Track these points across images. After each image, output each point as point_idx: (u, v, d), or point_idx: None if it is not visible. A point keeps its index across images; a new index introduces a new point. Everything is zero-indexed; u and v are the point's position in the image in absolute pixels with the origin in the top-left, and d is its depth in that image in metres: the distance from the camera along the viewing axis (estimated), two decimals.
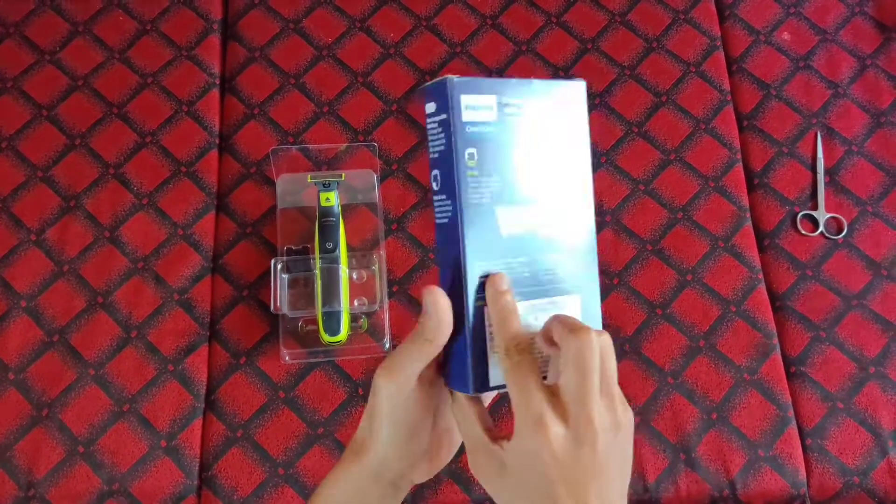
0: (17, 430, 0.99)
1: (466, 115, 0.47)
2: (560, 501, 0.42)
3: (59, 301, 1.05)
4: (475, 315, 0.47)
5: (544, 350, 0.47)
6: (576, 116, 0.51)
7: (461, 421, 0.48)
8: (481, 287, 0.47)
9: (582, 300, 0.50)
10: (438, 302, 0.45)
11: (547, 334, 0.46)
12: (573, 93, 0.51)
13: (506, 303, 0.46)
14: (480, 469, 0.46)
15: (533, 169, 0.49)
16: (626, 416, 0.45)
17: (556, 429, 0.42)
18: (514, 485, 0.45)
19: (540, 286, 0.49)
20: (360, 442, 0.50)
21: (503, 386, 0.46)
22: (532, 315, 0.48)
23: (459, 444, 0.53)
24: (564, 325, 0.44)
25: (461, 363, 0.47)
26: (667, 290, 1.08)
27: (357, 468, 0.50)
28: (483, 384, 0.47)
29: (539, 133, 0.49)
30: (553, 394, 0.43)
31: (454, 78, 0.47)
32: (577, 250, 0.50)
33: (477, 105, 0.47)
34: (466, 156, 0.46)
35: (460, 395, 0.48)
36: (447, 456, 0.53)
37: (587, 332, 0.43)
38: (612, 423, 0.44)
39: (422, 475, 0.53)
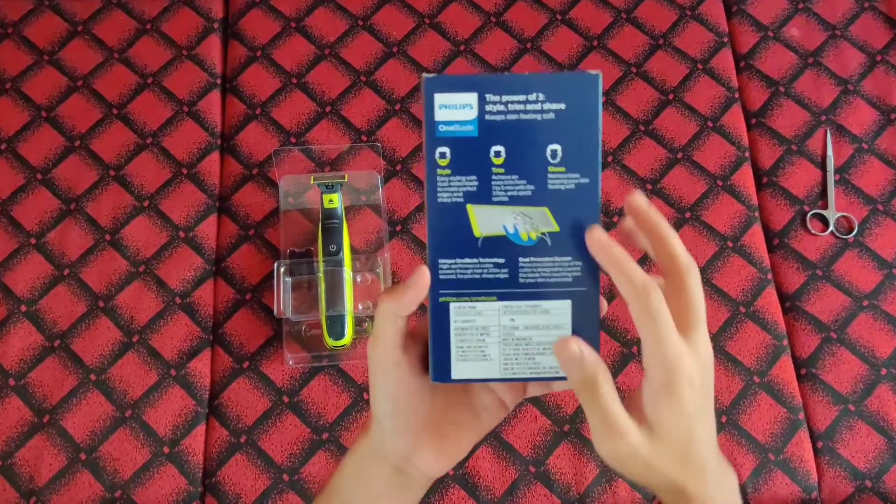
0: (17, 437, 0.97)
1: (440, 115, 0.47)
2: (704, 449, 0.47)
3: (60, 306, 1.04)
4: (435, 310, 0.48)
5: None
6: (584, 111, 0.48)
7: (591, 403, 0.47)
8: (446, 283, 0.48)
9: (573, 306, 0.48)
10: (415, 272, 0.46)
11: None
12: (583, 85, 0.48)
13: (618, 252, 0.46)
14: (625, 458, 0.46)
15: (523, 168, 0.48)
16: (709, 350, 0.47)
17: (687, 383, 0.45)
18: (665, 457, 0.46)
19: (521, 289, 0.48)
20: (366, 421, 0.52)
21: (467, 380, 0.49)
22: (508, 317, 0.48)
23: (471, 444, 0.53)
24: (626, 273, 0.44)
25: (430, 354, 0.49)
26: None
27: (362, 444, 0.52)
28: (445, 375, 0.49)
29: (534, 130, 0.47)
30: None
31: (427, 76, 0.47)
32: (571, 254, 0.48)
33: (453, 104, 0.47)
34: (437, 155, 0.47)
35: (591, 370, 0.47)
36: (455, 450, 0.52)
37: (650, 287, 0.44)
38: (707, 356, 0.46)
39: (428, 464, 0.51)
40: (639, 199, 0.47)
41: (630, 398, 0.47)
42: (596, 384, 0.45)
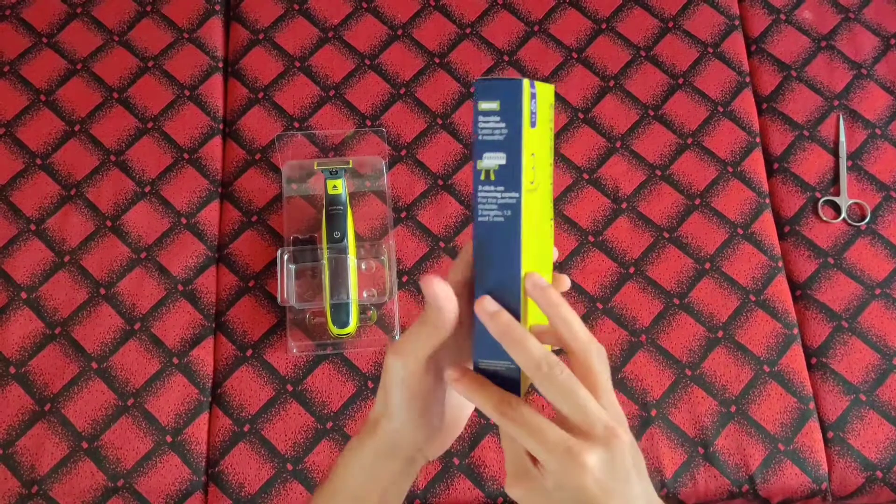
0: (19, 425, 0.96)
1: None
2: None
3: (61, 293, 1.02)
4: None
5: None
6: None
7: (504, 441, 0.48)
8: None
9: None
10: (436, 292, 0.46)
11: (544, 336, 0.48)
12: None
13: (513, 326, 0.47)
14: (522, 496, 0.46)
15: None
16: (627, 432, 0.46)
17: (588, 454, 0.43)
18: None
19: None
20: (375, 420, 0.51)
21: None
22: None
23: (466, 420, 0.55)
24: (530, 359, 0.45)
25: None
26: (684, 279, 1.05)
27: (372, 443, 0.51)
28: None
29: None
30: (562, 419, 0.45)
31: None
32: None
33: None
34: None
35: (521, 411, 0.46)
36: (455, 431, 0.55)
37: (551, 367, 0.44)
38: (622, 431, 0.45)
39: (436, 449, 0.53)
40: (537, 279, 0.47)
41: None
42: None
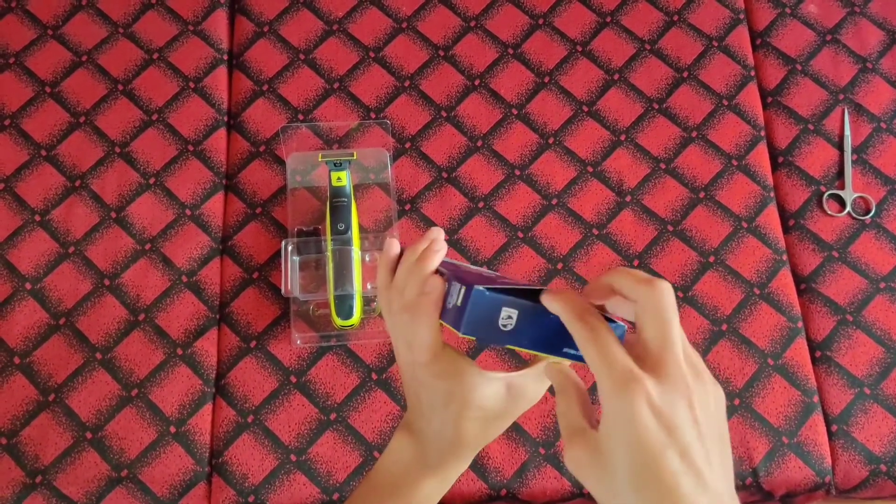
0: (23, 415, 0.97)
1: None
2: (668, 467, 0.38)
3: (65, 283, 1.02)
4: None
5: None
6: None
7: (558, 402, 0.46)
8: None
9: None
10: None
11: (605, 289, 0.45)
12: None
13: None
14: (578, 458, 0.42)
15: None
16: (716, 388, 0.42)
17: (648, 382, 0.39)
18: (613, 469, 0.40)
19: None
20: (407, 434, 0.58)
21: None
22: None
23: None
24: (634, 277, 0.43)
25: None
26: (688, 273, 1.05)
27: (408, 451, 0.58)
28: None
29: None
30: (635, 352, 0.41)
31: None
32: None
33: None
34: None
35: (563, 377, 0.46)
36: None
37: (662, 281, 0.42)
38: (701, 382, 0.41)
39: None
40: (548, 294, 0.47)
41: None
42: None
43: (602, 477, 0.41)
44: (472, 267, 0.63)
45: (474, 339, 0.48)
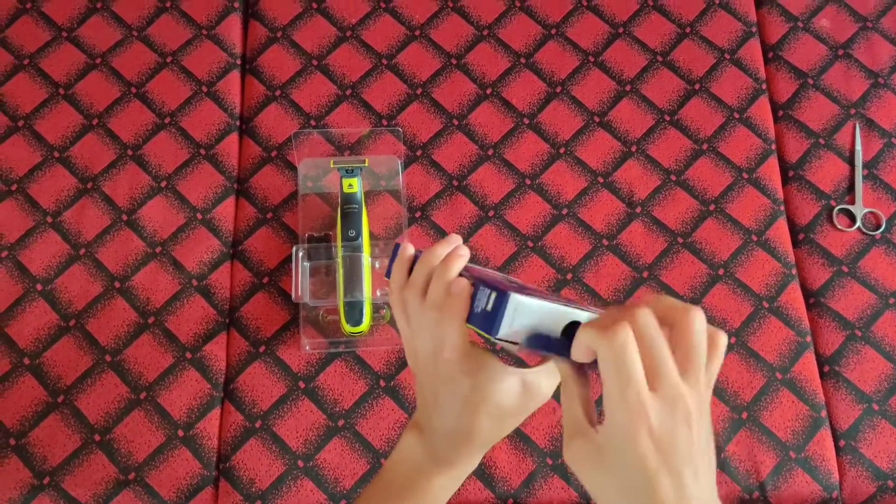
0: (31, 417, 0.97)
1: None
2: (659, 489, 0.42)
3: (76, 285, 1.03)
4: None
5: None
6: None
7: (563, 400, 0.48)
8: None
9: None
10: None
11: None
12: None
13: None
14: (577, 456, 0.45)
15: None
16: (708, 390, 0.46)
17: (653, 412, 0.42)
18: (608, 472, 0.44)
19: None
20: (415, 434, 0.60)
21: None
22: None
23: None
24: (676, 305, 0.45)
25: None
26: (697, 285, 1.05)
27: (418, 452, 0.59)
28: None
29: None
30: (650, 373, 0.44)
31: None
32: None
33: None
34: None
35: (567, 373, 0.48)
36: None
37: (698, 310, 0.45)
38: (702, 393, 0.45)
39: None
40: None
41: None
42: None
43: (597, 477, 0.45)
44: (490, 271, 0.64)
45: (505, 343, 0.48)
